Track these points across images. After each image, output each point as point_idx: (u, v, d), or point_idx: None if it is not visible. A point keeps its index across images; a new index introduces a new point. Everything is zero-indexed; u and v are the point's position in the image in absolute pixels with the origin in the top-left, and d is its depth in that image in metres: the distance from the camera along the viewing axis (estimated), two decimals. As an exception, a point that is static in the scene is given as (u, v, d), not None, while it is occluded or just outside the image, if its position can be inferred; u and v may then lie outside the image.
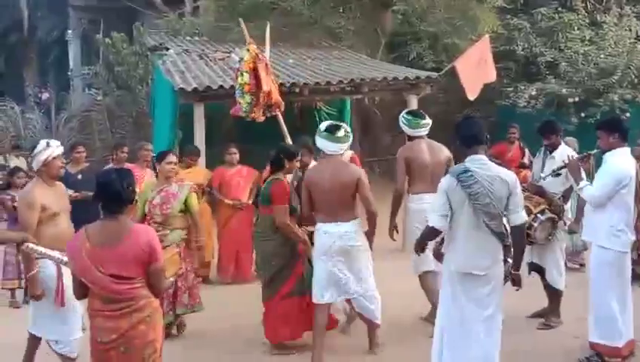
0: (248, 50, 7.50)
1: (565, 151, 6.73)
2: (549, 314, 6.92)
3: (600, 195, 5.74)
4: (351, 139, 6.23)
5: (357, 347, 6.39)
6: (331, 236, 5.91)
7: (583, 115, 13.65)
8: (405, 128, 7.03)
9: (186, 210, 6.66)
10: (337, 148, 6.03)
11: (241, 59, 7.50)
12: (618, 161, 5.75)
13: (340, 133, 6.05)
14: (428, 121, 7.04)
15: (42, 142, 5.56)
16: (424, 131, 7.01)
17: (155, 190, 6.60)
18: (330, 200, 5.93)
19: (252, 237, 6.72)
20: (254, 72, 7.40)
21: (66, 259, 4.37)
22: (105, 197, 4.01)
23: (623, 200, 5.72)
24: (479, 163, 4.76)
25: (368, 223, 6.08)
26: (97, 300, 4.01)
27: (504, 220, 4.80)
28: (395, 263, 7.79)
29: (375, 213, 5.98)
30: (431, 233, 4.98)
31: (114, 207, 4.00)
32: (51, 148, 5.48)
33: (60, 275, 5.23)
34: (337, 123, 6.40)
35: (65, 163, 5.72)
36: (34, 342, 5.64)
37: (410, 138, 7.03)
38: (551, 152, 6.90)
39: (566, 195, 6.67)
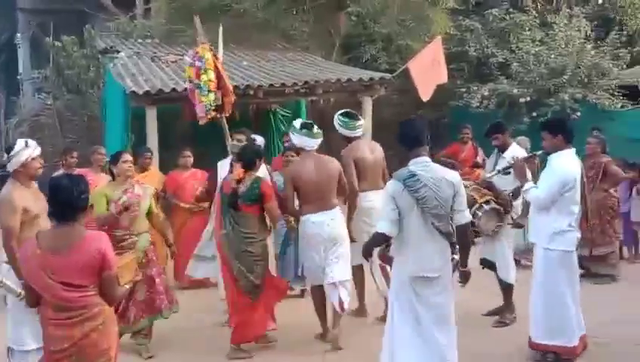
0: (206, 49, 7.45)
1: (515, 151, 6.82)
2: (504, 311, 7.00)
3: (544, 198, 5.78)
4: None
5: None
6: (321, 225, 6.38)
7: (534, 114, 13.84)
8: (343, 130, 7.11)
9: (148, 213, 6.54)
10: (315, 143, 6.59)
11: (202, 57, 7.41)
12: (562, 162, 5.77)
13: (316, 130, 6.60)
14: (362, 121, 7.26)
15: (20, 142, 5.41)
16: (360, 132, 7.18)
17: (119, 190, 6.33)
18: (319, 191, 6.44)
19: (222, 240, 6.54)
20: (216, 70, 7.40)
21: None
22: (57, 203, 3.91)
23: (566, 203, 5.74)
24: (422, 165, 4.76)
25: (350, 202, 6.86)
26: (49, 308, 3.93)
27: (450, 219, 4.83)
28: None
29: (356, 190, 6.83)
30: (380, 239, 4.96)
31: (66, 214, 3.90)
32: (30, 149, 5.35)
33: None
34: (308, 121, 6.92)
35: (42, 164, 5.57)
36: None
37: (348, 139, 7.13)
38: (502, 152, 6.99)
39: (515, 193, 6.74)
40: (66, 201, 3.87)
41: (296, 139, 6.63)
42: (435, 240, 4.75)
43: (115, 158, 6.58)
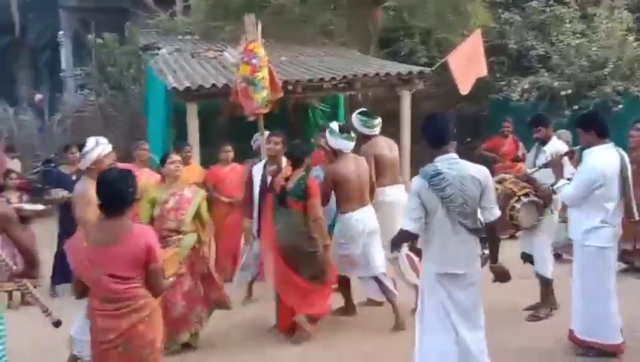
0: (259, 46, 7.67)
1: (556, 145, 6.77)
2: (540, 305, 6.94)
3: (573, 195, 5.74)
4: None
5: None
6: (363, 221, 6.79)
7: (575, 107, 13.65)
8: (362, 128, 7.42)
9: (196, 215, 6.56)
10: (352, 146, 6.99)
11: (257, 55, 7.67)
12: (593, 159, 5.68)
13: (353, 135, 7.02)
14: (379, 120, 7.55)
15: (91, 141, 5.64)
16: (378, 130, 7.51)
17: (167, 192, 6.41)
18: (359, 189, 6.85)
19: (276, 235, 6.72)
20: (269, 68, 7.71)
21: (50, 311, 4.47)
22: (106, 197, 4.00)
23: (598, 199, 5.65)
24: (449, 162, 4.67)
25: (370, 197, 7.06)
26: (96, 300, 4.03)
27: (479, 215, 4.77)
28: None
29: (375, 186, 7.20)
30: (405, 236, 4.90)
31: (114, 208, 4.00)
32: (101, 147, 5.59)
33: None
34: (346, 125, 7.34)
35: (114, 160, 5.85)
36: None
37: (367, 137, 7.47)
38: (543, 145, 6.94)
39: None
40: (115, 195, 3.96)
41: (335, 141, 6.92)
42: (462, 237, 4.68)
43: (163, 160, 6.66)
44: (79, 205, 5.51)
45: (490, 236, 4.86)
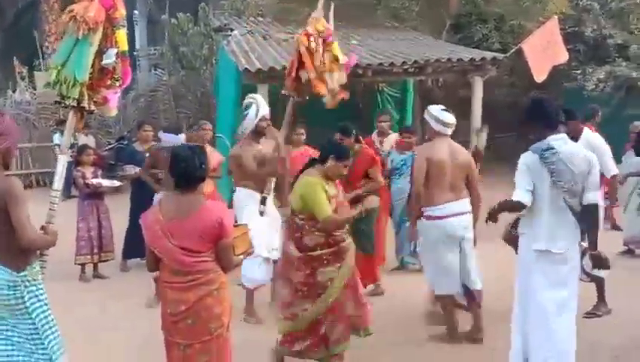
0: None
1: (588, 138, 6.55)
2: (599, 303, 6.66)
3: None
4: None
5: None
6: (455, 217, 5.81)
7: (654, 99, 13.30)
8: (434, 124, 6.00)
9: None
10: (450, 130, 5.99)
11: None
12: None
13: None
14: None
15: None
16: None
17: (333, 187, 5.29)
18: (451, 178, 5.86)
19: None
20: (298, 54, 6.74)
21: None
22: (179, 173, 4.09)
23: None
24: (561, 141, 4.70)
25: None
26: (167, 272, 4.12)
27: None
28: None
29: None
30: (514, 206, 4.80)
31: (187, 183, 4.09)
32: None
33: None
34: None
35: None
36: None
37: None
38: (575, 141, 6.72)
39: (621, 181, 6.44)
40: (188, 171, 4.05)
41: (435, 123, 5.92)
42: (565, 218, 4.66)
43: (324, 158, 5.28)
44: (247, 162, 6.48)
45: (591, 218, 4.75)
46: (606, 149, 6.58)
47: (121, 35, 4.54)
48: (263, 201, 6.60)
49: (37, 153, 17.08)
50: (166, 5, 20.38)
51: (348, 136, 7.10)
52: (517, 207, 4.79)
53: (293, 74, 6.68)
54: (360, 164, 7.09)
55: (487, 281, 6.16)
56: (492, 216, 4.95)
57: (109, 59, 4.45)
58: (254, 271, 6.50)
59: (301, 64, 6.64)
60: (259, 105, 6.54)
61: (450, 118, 5.95)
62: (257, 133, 6.69)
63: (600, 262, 4.88)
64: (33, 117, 17.38)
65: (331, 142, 5.83)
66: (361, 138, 7.54)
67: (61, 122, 14.11)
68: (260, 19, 16.77)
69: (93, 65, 4.44)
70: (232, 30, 14.21)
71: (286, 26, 15.01)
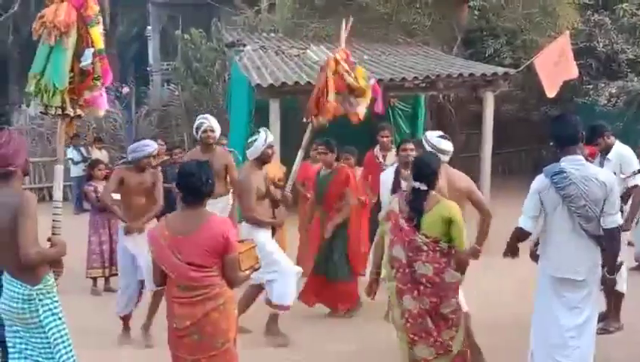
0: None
1: (619, 150, 6.62)
2: (610, 319, 6.64)
3: None
4: None
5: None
6: None
7: (666, 114, 13.26)
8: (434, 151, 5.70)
9: None
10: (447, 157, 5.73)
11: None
12: None
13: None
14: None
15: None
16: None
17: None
18: None
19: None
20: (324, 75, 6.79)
21: None
22: (186, 188, 4.14)
23: None
24: (576, 163, 4.56)
25: (482, 226, 5.70)
26: (174, 287, 4.14)
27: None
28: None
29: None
30: (519, 234, 4.79)
31: (193, 198, 4.13)
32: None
33: None
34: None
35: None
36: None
37: None
38: (606, 154, 6.76)
39: (623, 196, 6.40)
40: (195, 187, 4.10)
41: (431, 150, 5.61)
42: (583, 243, 4.57)
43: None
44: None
45: (610, 244, 4.64)
46: (635, 162, 6.67)
47: (96, 32, 4.47)
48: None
49: (50, 167, 17.17)
50: (179, 21, 20.54)
51: (332, 151, 7.47)
52: (525, 234, 4.74)
53: (321, 99, 6.68)
54: (336, 184, 7.41)
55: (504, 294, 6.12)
56: (508, 251, 4.94)
57: (86, 60, 4.39)
58: (293, 285, 6.47)
59: (326, 89, 6.65)
60: (267, 134, 6.55)
61: (447, 145, 5.70)
62: (262, 161, 6.60)
63: (613, 287, 4.85)
64: (47, 131, 17.50)
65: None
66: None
67: (74, 136, 14.19)
68: (272, 34, 16.88)
69: (72, 70, 4.37)
70: (244, 46, 14.31)
71: (298, 41, 15.09)
